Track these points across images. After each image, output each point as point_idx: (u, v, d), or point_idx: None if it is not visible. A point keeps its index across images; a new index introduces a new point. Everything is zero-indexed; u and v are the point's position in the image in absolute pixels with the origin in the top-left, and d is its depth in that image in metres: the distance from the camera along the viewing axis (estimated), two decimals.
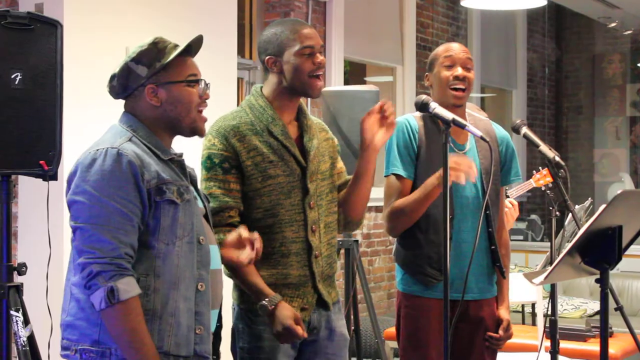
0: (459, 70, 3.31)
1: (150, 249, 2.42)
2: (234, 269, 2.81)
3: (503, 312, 3.44)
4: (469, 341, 3.35)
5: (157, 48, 2.50)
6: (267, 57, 2.93)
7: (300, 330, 2.78)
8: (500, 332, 3.40)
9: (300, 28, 2.92)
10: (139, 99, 2.53)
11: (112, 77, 2.53)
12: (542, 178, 4.68)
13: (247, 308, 2.91)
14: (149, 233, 2.42)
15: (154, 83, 2.50)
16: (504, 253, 3.46)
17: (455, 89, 3.31)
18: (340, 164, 3.13)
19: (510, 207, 3.90)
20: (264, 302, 2.79)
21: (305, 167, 2.93)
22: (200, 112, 2.56)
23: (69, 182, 2.44)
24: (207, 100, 2.59)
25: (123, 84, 2.52)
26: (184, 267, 2.47)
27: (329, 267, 3.02)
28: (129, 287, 2.33)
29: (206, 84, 2.57)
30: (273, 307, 2.78)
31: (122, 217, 2.36)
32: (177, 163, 2.55)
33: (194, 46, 2.57)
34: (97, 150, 2.42)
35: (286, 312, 2.79)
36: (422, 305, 3.32)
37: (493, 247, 3.38)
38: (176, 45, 2.53)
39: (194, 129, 2.57)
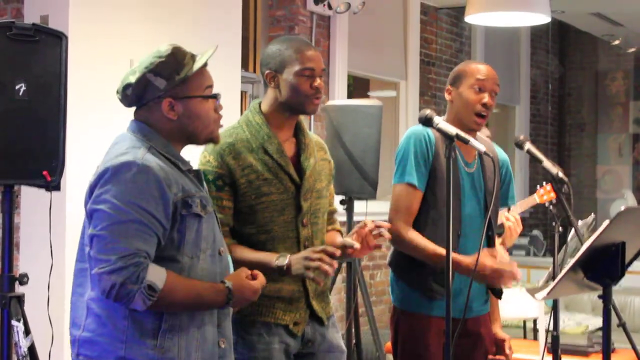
0: (486, 98, 3.31)
1: (175, 263, 2.38)
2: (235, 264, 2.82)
3: (499, 331, 3.44)
4: (468, 356, 3.34)
5: (176, 60, 2.45)
6: (267, 72, 2.94)
7: (330, 251, 2.74)
8: (507, 351, 3.40)
9: (304, 49, 2.92)
10: (153, 110, 2.47)
11: (127, 86, 2.46)
12: (545, 194, 4.67)
13: (239, 319, 2.91)
14: (173, 247, 2.38)
15: (172, 96, 2.45)
16: None
17: (479, 115, 3.31)
18: (331, 189, 3.13)
19: (513, 222, 3.89)
20: (276, 264, 2.78)
21: (299, 185, 2.93)
22: (217, 122, 2.55)
23: (91, 191, 2.38)
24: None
25: (139, 94, 2.45)
26: (208, 279, 2.44)
27: (323, 284, 3.01)
28: (157, 274, 2.29)
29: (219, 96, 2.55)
30: (288, 262, 2.76)
31: (141, 226, 2.30)
32: (194, 173, 2.52)
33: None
34: (121, 161, 2.36)
35: (298, 257, 2.76)
36: (421, 322, 3.29)
37: None
38: (193, 55, 2.49)
39: (211, 140, 2.56)
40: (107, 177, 2.34)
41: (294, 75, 2.88)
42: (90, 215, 2.36)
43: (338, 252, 2.79)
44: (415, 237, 3.26)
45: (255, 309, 2.88)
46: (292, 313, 2.93)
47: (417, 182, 3.27)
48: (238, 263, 2.74)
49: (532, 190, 9.70)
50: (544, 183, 4.63)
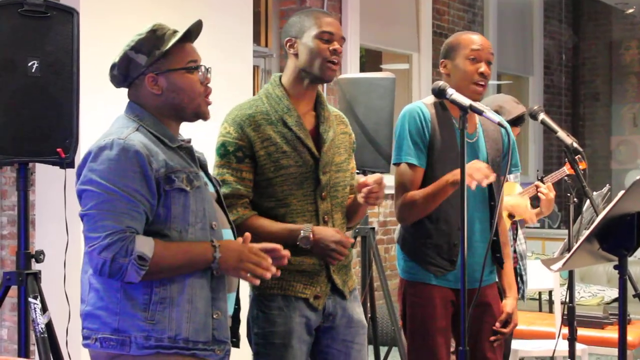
0: (483, 67, 3.29)
1: (164, 237, 2.43)
2: (257, 235, 2.78)
3: (508, 303, 3.38)
4: (477, 325, 3.34)
5: (155, 36, 2.51)
6: (287, 39, 2.99)
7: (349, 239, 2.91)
8: (498, 324, 3.34)
9: (323, 16, 2.99)
10: (140, 88, 2.53)
11: (113, 66, 2.53)
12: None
13: (260, 294, 2.94)
14: (161, 222, 2.43)
15: (154, 72, 2.50)
16: (504, 241, 3.46)
17: (478, 85, 3.29)
18: (352, 163, 3.15)
19: (547, 192, 3.91)
20: (301, 234, 2.85)
21: (318, 158, 2.94)
22: (205, 97, 2.57)
23: (78, 173, 2.46)
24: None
25: (123, 73, 2.52)
26: None
27: (344, 257, 3.02)
28: (145, 244, 2.34)
29: (207, 69, 2.57)
30: (311, 233, 2.84)
31: (128, 202, 2.36)
32: (185, 150, 2.55)
33: (194, 31, 2.57)
34: (104, 141, 2.43)
35: (327, 231, 2.87)
36: (428, 293, 3.29)
37: (495, 238, 3.37)
38: (175, 31, 2.53)
39: (198, 114, 2.57)
40: (91, 158, 2.42)
41: (312, 39, 2.93)
42: (79, 196, 2.43)
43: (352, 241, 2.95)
44: (409, 195, 3.26)
45: (276, 282, 2.90)
46: (313, 287, 2.94)
47: (416, 160, 3.27)
48: (261, 235, 2.76)
49: (546, 161, 9.70)
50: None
